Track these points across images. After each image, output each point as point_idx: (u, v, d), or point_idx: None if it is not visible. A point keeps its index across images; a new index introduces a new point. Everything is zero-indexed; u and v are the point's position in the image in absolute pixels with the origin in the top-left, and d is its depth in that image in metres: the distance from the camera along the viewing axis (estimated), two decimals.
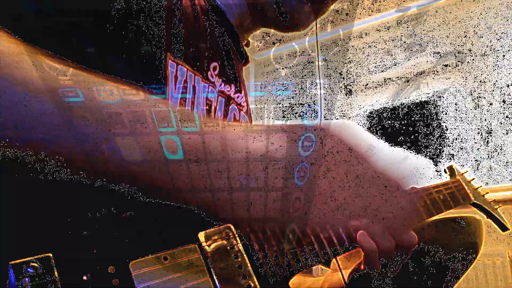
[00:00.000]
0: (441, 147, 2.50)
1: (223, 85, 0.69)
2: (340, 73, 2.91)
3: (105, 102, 0.32)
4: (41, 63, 0.34)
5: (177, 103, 0.58)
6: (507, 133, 2.40)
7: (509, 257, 2.27)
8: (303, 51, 2.99)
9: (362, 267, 0.76)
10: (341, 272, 0.78)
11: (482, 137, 2.47)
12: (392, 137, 2.62)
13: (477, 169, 2.41)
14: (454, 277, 0.86)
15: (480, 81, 2.52)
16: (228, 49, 0.72)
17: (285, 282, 0.80)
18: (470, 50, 2.57)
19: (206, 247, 0.48)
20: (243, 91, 0.77)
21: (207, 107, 0.65)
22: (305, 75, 2.97)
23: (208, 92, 0.65)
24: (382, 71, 2.82)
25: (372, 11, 2.88)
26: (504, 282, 2.26)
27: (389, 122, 2.69)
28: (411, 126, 2.61)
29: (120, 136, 0.31)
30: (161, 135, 0.30)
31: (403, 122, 2.64)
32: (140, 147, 0.32)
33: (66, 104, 0.32)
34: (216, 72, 0.67)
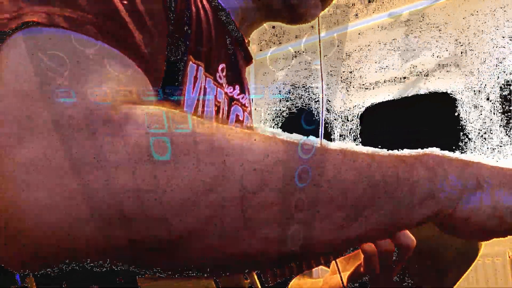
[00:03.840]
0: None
1: (226, 86, 0.69)
2: (336, 74, 2.91)
3: (97, 103, 0.31)
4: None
5: (194, 104, 0.58)
6: None
7: (509, 257, 2.26)
8: (302, 53, 2.99)
9: (361, 269, 0.76)
10: (340, 275, 0.77)
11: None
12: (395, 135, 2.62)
13: None
14: (454, 277, 0.85)
15: (481, 81, 2.52)
16: (233, 49, 0.72)
17: (285, 283, 0.80)
18: (470, 50, 2.57)
19: None
20: (247, 92, 0.77)
21: (216, 109, 0.64)
22: (304, 77, 2.97)
23: (217, 94, 0.65)
24: (381, 72, 2.82)
25: (367, 13, 2.88)
26: (504, 282, 2.25)
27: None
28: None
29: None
30: (151, 136, 0.29)
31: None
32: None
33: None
34: (224, 73, 0.67)
